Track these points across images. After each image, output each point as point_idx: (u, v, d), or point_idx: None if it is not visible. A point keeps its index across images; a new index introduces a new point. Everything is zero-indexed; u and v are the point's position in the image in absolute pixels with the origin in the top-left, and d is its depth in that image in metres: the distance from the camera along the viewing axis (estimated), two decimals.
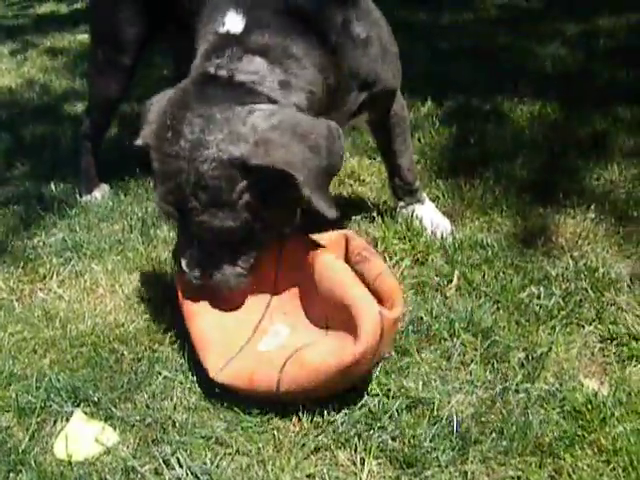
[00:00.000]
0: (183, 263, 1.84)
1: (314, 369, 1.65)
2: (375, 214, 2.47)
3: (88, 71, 2.98)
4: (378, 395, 1.73)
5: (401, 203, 2.46)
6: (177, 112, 1.74)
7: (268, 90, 1.79)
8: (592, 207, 2.46)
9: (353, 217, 2.48)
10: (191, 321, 1.88)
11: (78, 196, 2.89)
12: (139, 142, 1.83)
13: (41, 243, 2.59)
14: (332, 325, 1.77)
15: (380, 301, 1.73)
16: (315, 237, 1.89)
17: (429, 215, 2.42)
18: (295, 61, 1.85)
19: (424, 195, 2.49)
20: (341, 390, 1.71)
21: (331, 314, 1.77)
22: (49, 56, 4.96)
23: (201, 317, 1.87)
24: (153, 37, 2.71)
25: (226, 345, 1.82)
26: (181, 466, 1.61)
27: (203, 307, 1.88)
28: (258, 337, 1.86)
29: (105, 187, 2.92)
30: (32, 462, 1.66)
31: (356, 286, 1.74)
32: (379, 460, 1.59)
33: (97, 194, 2.88)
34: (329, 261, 1.82)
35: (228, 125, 1.69)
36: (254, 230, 1.78)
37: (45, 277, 2.37)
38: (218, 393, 1.78)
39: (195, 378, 1.86)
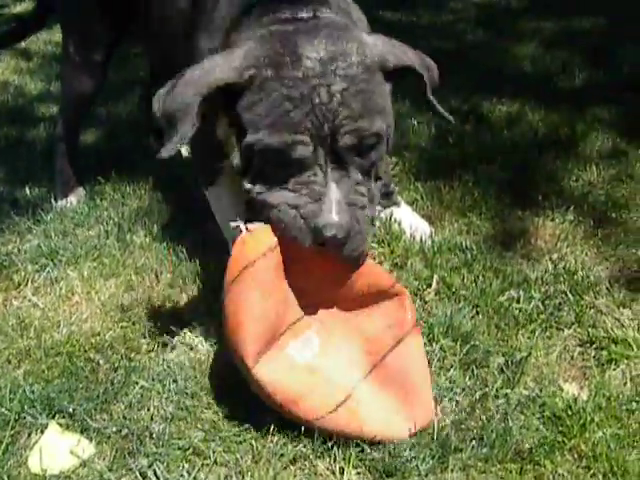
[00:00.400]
0: (330, 212, 1.56)
1: (362, 426, 1.61)
2: None
3: (61, 68, 2.93)
4: None
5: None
6: (283, 40, 1.61)
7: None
8: (571, 209, 2.46)
9: None
10: (242, 288, 1.64)
11: (53, 201, 2.85)
12: (233, 77, 1.60)
13: (16, 250, 2.54)
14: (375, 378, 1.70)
15: None
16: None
17: (408, 218, 2.40)
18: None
19: (400, 198, 2.48)
20: None
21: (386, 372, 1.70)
22: (23, 58, 4.89)
23: (255, 288, 1.64)
24: (124, 33, 2.68)
25: (267, 329, 1.65)
26: (158, 478, 1.59)
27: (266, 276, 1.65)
28: (291, 334, 1.70)
29: (81, 191, 2.87)
30: (5, 476, 1.63)
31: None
32: (358, 469, 1.58)
33: (72, 198, 2.84)
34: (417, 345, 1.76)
35: (355, 39, 1.64)
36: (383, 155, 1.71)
37: (20, 285, 2.33)
38: (194, 403, 1.77)
39: (172, 387, 1.84)
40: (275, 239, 1.63)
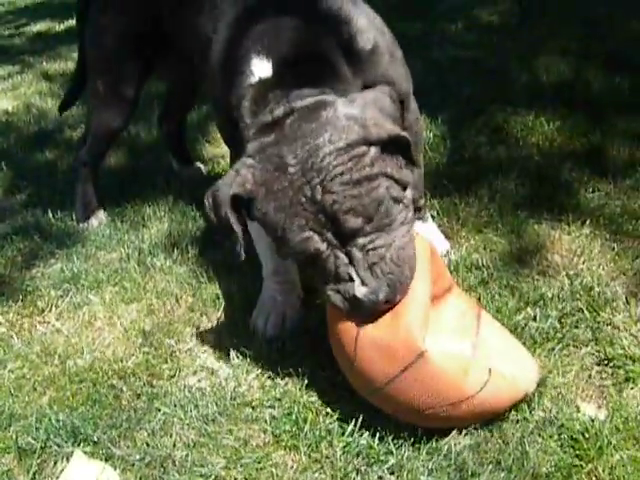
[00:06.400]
0: (357, 286, 1.67)
1: (513, 384, 1.70)
2: None
3: (90, 101, 2.92)
4: (377, 428, 1.73)
5: None
6: (271, 157, 1.69)
7: (330, 93, 1.79)
8: (587, 222, 2.46)
9: None
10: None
11: (75, 224, 2.90)
12: (239, 190, 1.71)
13: (39, 274, 2.61)
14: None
15: None
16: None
17: (427, 235, 2.41)
18: (334, 79, 1.86)
19: (427, 214, 2.49)
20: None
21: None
22: (46, 79, 4.97)
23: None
24: (154, 69, 2.74)
25: (425, 316, 1.72)
26: None
27: None
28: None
29: (101, 214, 2.92)
30: None
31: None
32: None
33: (94, 221, 2.89)
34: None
35: (327, 127, 1.68)
36: (399, 197, 1.72)
37: (44, 311, 2.38)
38: (215, 429, 1.80)
39: (194, 413, 1.87)
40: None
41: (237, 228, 1.75)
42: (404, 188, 1.75)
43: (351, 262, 1.68)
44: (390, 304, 1.68)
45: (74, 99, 3.14)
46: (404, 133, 1.72)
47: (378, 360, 1.66)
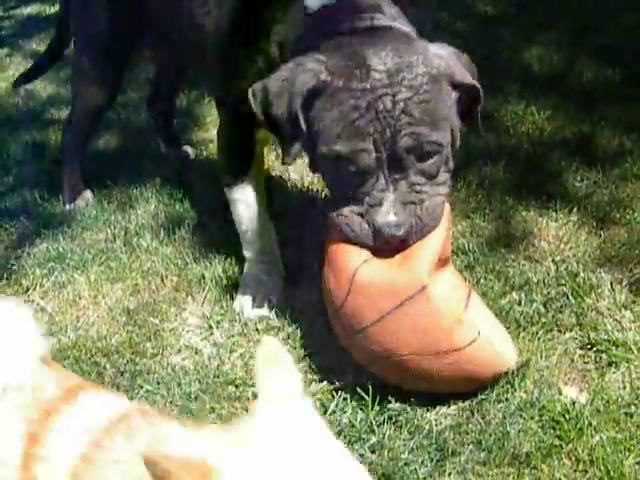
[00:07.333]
0: (384, 212, 1.66)
1: (497, 353, 1.72)
2: None
3: (73, 80, 2.93)
4: (359, 407, 1.73)
5: None
6: (352, 55, 1.68)
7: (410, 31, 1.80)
8: (575, 210, 2.46)
9: None
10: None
11: (62, 204, 2.89)
12: (312, 82, 1.67)
13: (25, 254, 2.59)
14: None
15: None
16: None
17: None
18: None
19: None
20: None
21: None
22: (34, 60, 4.93)
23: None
24: (140, 44, 2.71)
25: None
26: None
27: None
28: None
29: (88, 195, 2.90)
30: None
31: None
32: None
33: (80, 202, 2.87)
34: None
35: (419, 50, 1.69)
36: (447, 159, 1.75)
37: (28, 289, 2.37)
38: (197, 407, 1.80)
39: (177, 391, 1.87)
40: None
41: (303, 126, 1.72)
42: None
43: (394, 190, 1.66)
44: (403, 244, 1.68)
45: (36, 74, 3.22)
46: (479, 86, 1.74)
47: (374, 294, 1.64)
